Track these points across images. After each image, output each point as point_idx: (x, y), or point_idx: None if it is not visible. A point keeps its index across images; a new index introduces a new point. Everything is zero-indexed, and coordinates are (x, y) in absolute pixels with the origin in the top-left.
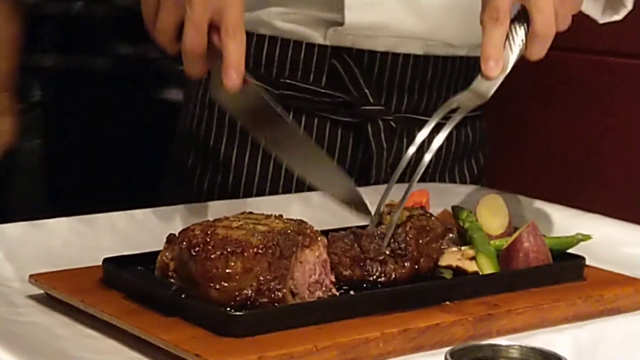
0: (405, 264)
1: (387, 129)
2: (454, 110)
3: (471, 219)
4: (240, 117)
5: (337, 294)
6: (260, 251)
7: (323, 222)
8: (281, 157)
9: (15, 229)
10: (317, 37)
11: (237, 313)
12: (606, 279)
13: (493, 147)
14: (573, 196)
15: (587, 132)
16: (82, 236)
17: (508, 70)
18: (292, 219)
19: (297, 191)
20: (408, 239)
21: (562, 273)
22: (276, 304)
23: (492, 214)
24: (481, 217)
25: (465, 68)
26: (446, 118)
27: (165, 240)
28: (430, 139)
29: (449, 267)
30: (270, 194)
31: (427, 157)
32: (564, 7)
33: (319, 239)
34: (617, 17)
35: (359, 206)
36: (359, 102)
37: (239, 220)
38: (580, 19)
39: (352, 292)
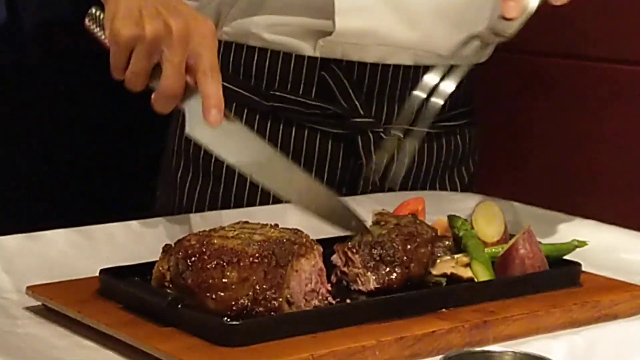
0: (396, 269)
1: (378, 140)
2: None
3: (466, 227)
4: (218, 150)
5: (334, 302)
6: (256, 260)
7: (319, 231)
8: (263, 183)
9: (12, 241)
10: (307, 48)
11: (234, 323)
12: (602, 285)
13: (488, 154)
14: (569, 203)
15: (583, 139)
16: (79, 247)
17: (531, 13)
18: (287, 228)
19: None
20: (395, 245)
21: (558, 279)
22: (272, 313)
23: (488, 221)
24: (477, 225)
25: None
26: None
27: (161, 250)
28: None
29: (443, 275)
30: (261, 204)
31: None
32: None
33: (315, 247)
34: None
35: (351, 219)
36: (349, 114)
37: (234, 230)
38: (575, 26)
39: (348, 301)
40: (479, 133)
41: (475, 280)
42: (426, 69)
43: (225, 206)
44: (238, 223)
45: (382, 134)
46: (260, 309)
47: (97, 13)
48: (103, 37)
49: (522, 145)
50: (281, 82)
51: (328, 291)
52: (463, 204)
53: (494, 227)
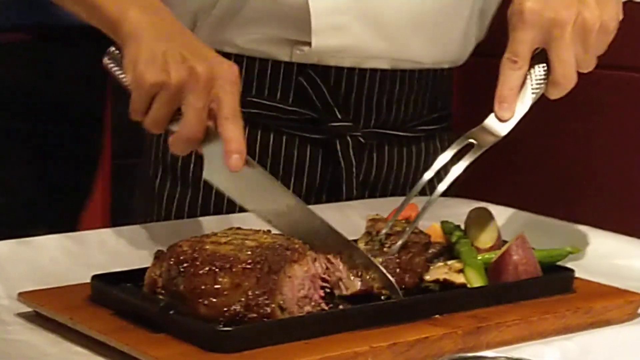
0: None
1: (356, 144)
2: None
3: (459, 233)
4: (236, 196)
5: (326, 308)
6: (248, 266)
7: None
8: (283, 231)
9: (3, 247)
10: (283, 55)
11: (226, 329)
12: (595, 291)
13: (481, 160)
14: (562, 209)
15: (576, 145)
16: (70, 253)
17: (526, 109)
18: (280, 234)
19: None
20: (390, 258)
21: (552, 285)
22: (265, 320)
23: (481, 227)
24: (470, 231)
25: (432, 80)
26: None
27: (153, 256)
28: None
29: (436, 281)
30: (240, 212)
31: (441, 186)
32: (586, 54)
33: (308, 253)
34: None
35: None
36: (327, 119)
37: (227, 236)
38: None
39: (340, 307)
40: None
41: (468, 286)
42: (403, 72)
43: (205, 214)
44: (231, 229)
45: (360, 138)
46: (253, 315)
47: (117, 53)
48: (124, 77)
49: (515, 151)
50: (258, 89)
51: (321, 297)
52: (456, 209)
53: (487, 233)
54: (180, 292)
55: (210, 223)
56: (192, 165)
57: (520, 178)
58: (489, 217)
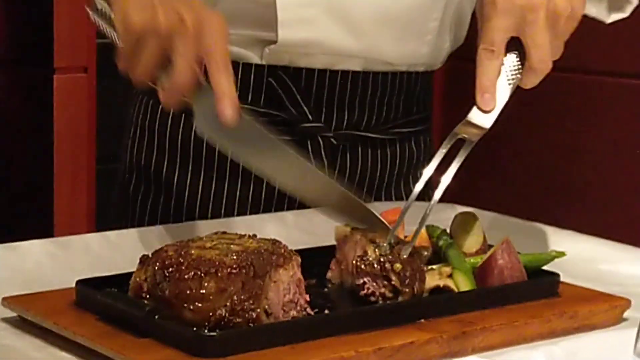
0: (407, 288)
1: (328, 146)
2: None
3: (445, 237)
4: (230, 147)
5: (312, 313)
6: (234, 271)
7: (297, 241)
8: (273, 179)
9: None
10: (253, 56)
11: (211, 333)
12: (581, 295)
13: (467, 165)
14: (547, 213)
15: (562, 150)
16: (55, 258)
17: (506, 100)
18: (266, 239)
19: (239, 214)
20: (404, 264)
21: (537, 290)
22: (250, 324)
23: (466, 231)
24: (456, 235)
25: (406, 83)
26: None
27: (138, 261)
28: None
29: (436, 288)
30: (213, 216)
31: (437, 194)
32: (558, 39)
33: (293, 258)
34: (624, 15)
35: (369, 218)
36: (299, 120)
37: (212, 241)
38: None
39: (326, 311)
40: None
41: (457, 290)
42: (376, 75)
43: (177, 220)
44: (216, 233)
45: (332, 139)
46: (238, 319)
47: (102, 9)
48: (111, 31)
49: (501, 156)
50: None
51: (306, 302)
52: (442, 214)
53: (472, 238)
54: (166, 296)
55: (195, 228)
56: (164, 170)
57: (506, 183)
58: (474, 221)
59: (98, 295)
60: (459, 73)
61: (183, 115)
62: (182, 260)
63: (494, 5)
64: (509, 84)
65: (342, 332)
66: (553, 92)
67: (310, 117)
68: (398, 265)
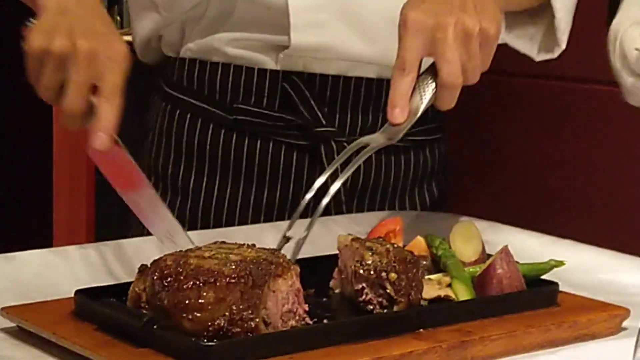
0: (402, 298)
1: (341, 150)
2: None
3: (444, 247)
4: (104, 174)
5: (311, 322)
6: (232, 281)
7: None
8: (139, 217)
9: None
10: (269, 62)
11: (210, 343)
12: (580, 304)
13: (466, 174)
14: (546, 222)
15: (560, 159)
16: (54, 268)
17: (417, 116)
18: (264, 248)
19: (253, 220)
20: (400, 274)
21: (536, 299)
22: (249, 334)
23: (465, 241)
24: (455, 244)
25: None
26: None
27: (137, 271)
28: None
29: (437, 298)
30: (227, 222)
31: (324, 201)
32: (471, 61)
33: (292, 268)
34: (552, 56)
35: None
36: (312, 124)
37: (211, 250)
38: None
39: (325, 321)
40: (457, 150)
41: (456, 299)
42: (388, 82)
43: (193, 222)
44: (215, 243)
45: (345, 144)
46: (237, 329)
47: (29, 25)
48: None
49: (499, 165)
50: (244, 96)
51: (305, 311)
52: (440, 224)
53: (471, 247)
54: (164, 306)
55: (194, 237)
56: (181, 174)
57: (504, 192)
58: (473, 230)
59: (97, 305)
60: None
61: (200, 120)
62: (180, 270)
63: (405, 26)
64: (422, 102)
65: (341, 341)
66: (550, 100)
67: (323, 121)
68: (393, 275)
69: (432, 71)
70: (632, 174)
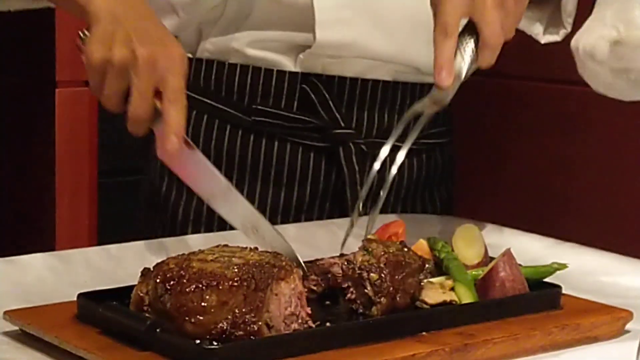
0: (382, 299)
1: (359, 152)
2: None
3: (447, 250)
4: (179, 175)
5: (313, 325)
6: (235, 284)
7: (300, 254)
8: (219, 213)
9: None
10: (288, 63)
11: (213, 347)
12: (583, 307)
13: (468, 177)
14: (549, 225)
15: (563, 161)
16: (56, 272)
17: (462, 79)
18: (267, 251)
19: (282, 222)
20: (383, 275)
21: (539, 302)
22: (252, 337)
23: (468, 244)
24: (457, 247)
25: None
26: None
27: (140, 274)
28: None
29: (442, 303)
30: (231, 229)
31: (393, 169)
32: (508, 18)
33: (295, 271)
34: (558, 38)
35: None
36: (331, 126)
37: (214, 253)
38: (554, 49)
39: (327, 324)
40: (460, 154)
41: (458, 302)
42: (405, 85)
43: (209, 222)
44: (217, 246)
45: (362, 146)
46: (240, 332)
47: (84, 36)
48: None
49: (501, 168)
50: (263, 97)
51: (308, 315)
52: (443, 227)
53: (474, 250)
54: (167, 310)
55: (196, 241)
56: None
57: (507, 195)
58: (475, 233)
59: (99, 309)
60: (460, 87)
61: (217, 122)
62: (183, 274)
63: None
64: (465, 62)
65: (344, 345)
66: (553, 103)
67: (342, 123)
68: (374, 276)
69: (470, 32)
70: (635, 178)
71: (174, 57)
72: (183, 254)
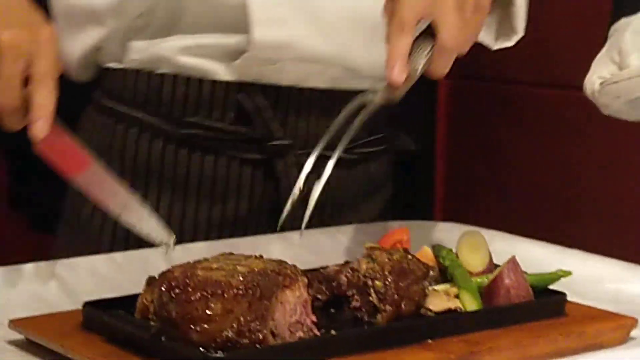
0: (386, 307)
1: (295, 164)
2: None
3: (451, 257)
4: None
5: (318, 333)
6: (240, 292)
7: (304, 261)
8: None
9: None
10: (221, 72)
11: (218, 355)
12: (588, 314)
13: (471, 184)
14: (553, 232)
15: (565, 167)
16: (62, 280)
17: (414, 80)
18: (272, 259)
19: (220, 238)
20: (388, 282)
21: (544, 309)
22: (257, 345)
23: (472, 251)
24: (462, 255)
25: None
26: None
27: (145, 282)
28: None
29: (447, 311)
30: (232, 237)
31: (319, 185)
32: (466, 26)
33: (300, 278)
34: (509, 44)
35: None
36: (266, 138)
37: (218, 262)
38: (555, 54)
39: (333, 332)
40: (463, 160)
41: (463, 309)
42: (343, 93)
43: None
44: (222, 254)
45: (299, 158)
46: (245, 341)
47: None
48: None
49: (504, 174)
50: (194, 109)
51: (313, 322)
52: (447, 234)
53: (478, 257)
54: (172, 318)
55: (201, 249)
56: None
57: (511, 202)
58: (480, 240)
59: (105, 317)
60: (464, 92)
61: (147, 135)
62: (188, 282)
63: None
64: (419, 65)
65: (349, 352)
66: (555, 108)
67: (278, 134)
68: (378, 283)
69: (427, 36)
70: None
71: (41, 37)
72: (188, 262)
